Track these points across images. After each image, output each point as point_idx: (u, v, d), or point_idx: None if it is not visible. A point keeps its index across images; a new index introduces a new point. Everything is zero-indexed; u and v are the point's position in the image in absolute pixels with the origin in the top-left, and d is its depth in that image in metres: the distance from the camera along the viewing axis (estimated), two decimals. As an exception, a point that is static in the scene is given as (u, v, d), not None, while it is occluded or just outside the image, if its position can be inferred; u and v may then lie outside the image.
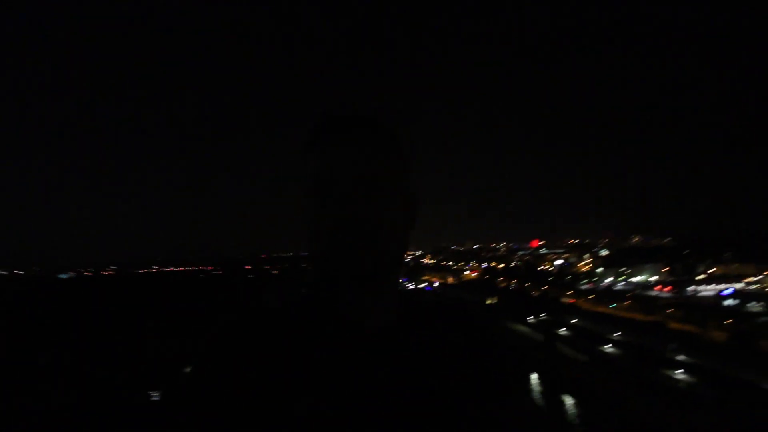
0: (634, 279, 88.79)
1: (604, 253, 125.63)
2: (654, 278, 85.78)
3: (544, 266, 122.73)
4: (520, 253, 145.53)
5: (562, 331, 55.48)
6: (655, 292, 75.41)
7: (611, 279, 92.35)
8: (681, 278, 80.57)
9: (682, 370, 35.20)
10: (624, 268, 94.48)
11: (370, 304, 0.71)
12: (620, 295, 75.26)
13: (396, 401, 0.64)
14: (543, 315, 63.64)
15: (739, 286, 73.23)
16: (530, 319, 63.47)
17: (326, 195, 0.66)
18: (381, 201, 0.67)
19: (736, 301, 60.99)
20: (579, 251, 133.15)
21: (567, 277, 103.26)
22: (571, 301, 77.71)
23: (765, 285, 78.19)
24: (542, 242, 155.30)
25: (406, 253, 0.75)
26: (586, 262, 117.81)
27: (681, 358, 39.63)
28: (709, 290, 71.90)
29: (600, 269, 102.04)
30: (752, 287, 74.32)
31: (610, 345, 45.88)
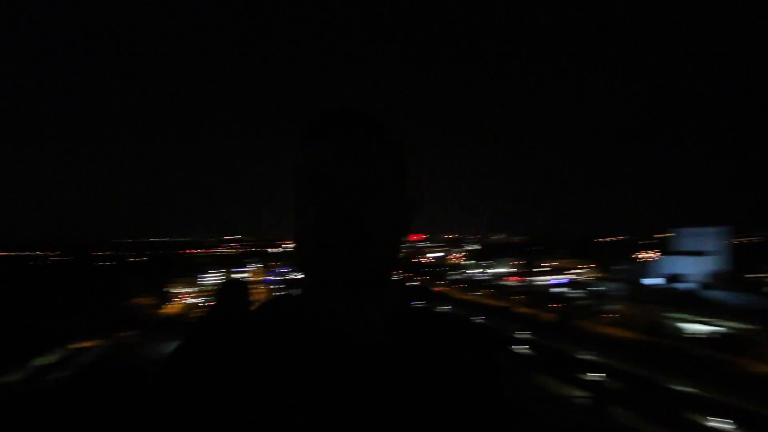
0: (494, 270, 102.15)
1: (474, 247, 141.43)
2: (508, 270, 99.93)
3: (422, 258, 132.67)
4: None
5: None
6: (508, 281, 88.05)
7: (477, 270, 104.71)
8: (527, 270, 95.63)
9: (527, 347, 42.13)
10: (487, 261, 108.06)
11: (360, 315, 0.65)
12: (482, 285, 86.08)
13: (384, 428, 0.59)
14: (419, 303, 69.06)
15: (571, 276, 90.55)
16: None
17: (315, 190, 0.62)
18: (373, 201, 0.62)
19: (563, 289, 74.74)
20: (453, 246, 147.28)
21: (441, 268, 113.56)
22: (441, 290, 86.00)
23: (587, 275, 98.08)
24: (425, 236, 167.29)
25: (397, 261, 0.70)
26: (458, 255, 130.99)
27: (523, 335, 47.36)
28: (546, 280, 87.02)
29: (468, 262, 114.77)
30: (579, 278, 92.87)
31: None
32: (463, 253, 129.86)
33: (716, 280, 65.23)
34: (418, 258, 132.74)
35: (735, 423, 23.39)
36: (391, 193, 0.65)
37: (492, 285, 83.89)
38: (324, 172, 0.61)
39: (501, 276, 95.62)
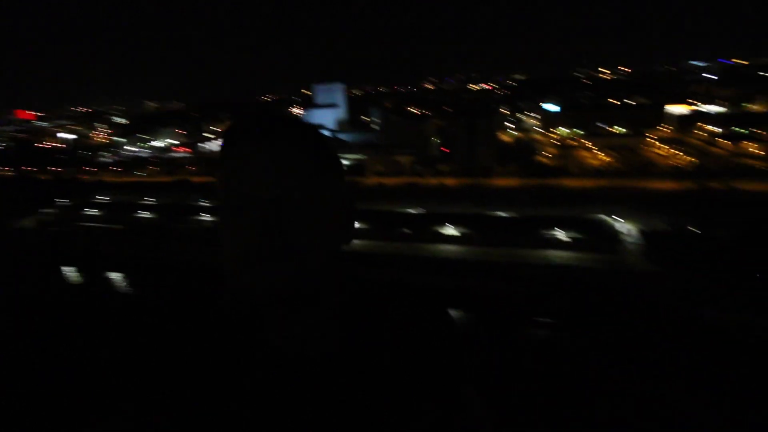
0: (156, 144, 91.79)
1: (120, 121, 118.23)
2: (173, 141, 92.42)
3: (46, 143, 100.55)
4: (6, 129, 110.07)
5: (93, 211, 51.23)
6: (176, 153, 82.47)
7: (134, 147, 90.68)
8: (193, 139, 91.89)
9: (205, 215, 43.84)
10: (145, 135, 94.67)
11: (300, 331, 0.62)
12: (144, 161, 76.66)
13: None
14: (64, 201, 54.96)
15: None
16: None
17: (237, 203, 0.58)
18: (298, 213, 0.58)
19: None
20: (90, 122, 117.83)
21: (82, 152, 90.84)
22: (88, 177, 70.78)
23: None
24: (40, 114, 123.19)
25: (336, 272, 0.66)
26: (103, 132, 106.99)
27: (203, 203, 48.58)
28: (215, 146, 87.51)
29: (120, 139, 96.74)
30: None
31: (143, 211, 47.99)
32: (108, 130, 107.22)
33: (342, 125, 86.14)
34: (42, 143, 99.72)
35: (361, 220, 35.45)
36: (320, 201, 0.61)
37: (159, 160, 76.31)
38: (245, 184, 0.58)
39: (167, 149, 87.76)
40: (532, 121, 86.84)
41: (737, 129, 61.46)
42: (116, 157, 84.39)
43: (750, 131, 60.18)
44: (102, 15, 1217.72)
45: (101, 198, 54.72)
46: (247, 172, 0.58)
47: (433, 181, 50.79)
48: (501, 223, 32.90)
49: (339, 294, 0.67)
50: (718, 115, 70.39)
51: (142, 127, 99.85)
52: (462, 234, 31.86)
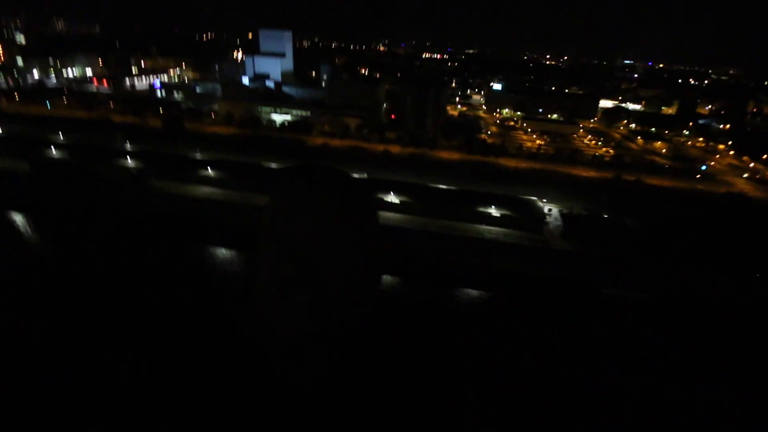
0: (69, 72, 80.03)
1: (20, 40, 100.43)
2: (90, 72, 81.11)
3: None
4: None
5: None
6: (94, 86, 72.65)
7: (39, 73, 78.26)
8: (116, 71, 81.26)
9: (130, 159, 39.73)
10: (51, 60, 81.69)
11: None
12: (55, 92, 66.66)
13: None
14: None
15: (164, 78, 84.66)
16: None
17: (276, 244, 0.63)
18: (332, 259, 0.63)
19: (163, 93, 70.68)
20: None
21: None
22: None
23: (183, 76, 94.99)
24: None
25: (362, 319, 0.68)
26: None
27: (128, 147, 43.95)
28: (143, 83, 78.22)
29: (20, 61, 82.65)
30: (174, 79, 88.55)
31: (56, 148, 42.35)
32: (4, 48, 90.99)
33: (287, 78, 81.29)
34: None
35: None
36: (352, 250, 0.64)
37: (71, 92, 66.69)
38: (286, 225, 0.63)
39: (81, 80, 76.99)
40: (477, 97, 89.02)
41: (650, 129, 68.52)
42: (17, 83, 72.29)
43: (660, 132, 67.46)
44: None
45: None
46: (289, 214, 0.63)
47: (380, 147, 50.66)
48: (441, 195, 34.12)
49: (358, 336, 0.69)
50: (637, 113, 77.69)
51: (49, 49, 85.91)
52: (402, 202, 32.60)
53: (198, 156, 41.98)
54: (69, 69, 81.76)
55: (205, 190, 35.19)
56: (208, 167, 37.34)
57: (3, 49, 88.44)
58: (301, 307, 0.61)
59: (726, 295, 24.22)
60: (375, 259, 0.66)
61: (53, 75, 79.04)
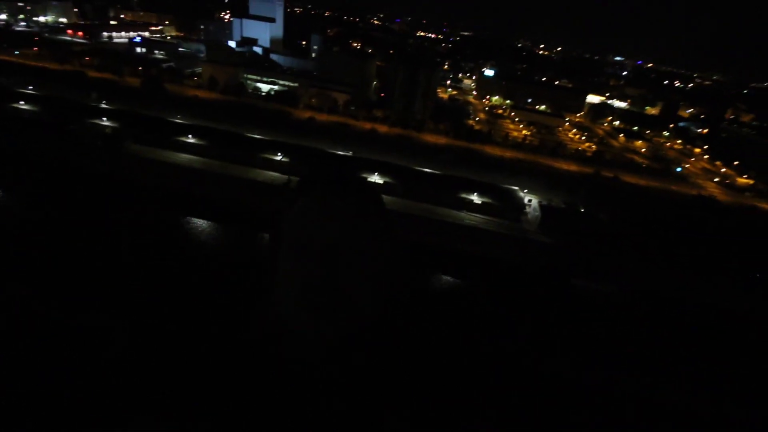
0: (40, 18, 74.95)
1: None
2: (64, 20, 76.16)
3: None
4: None
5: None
6: (68, 37, 68.40)
7: (8, 17, 72.99)
8: (93, 22, 76.60)
9: (105, 119, 37.89)
10: (22, 4, 76.16)
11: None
12: (25, 39, 62.43)
13: None
14: None
15: (145, 34, 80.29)
16: None
17: (298, 251, 0.65)
18: (354, 265, 0.64)
19: (144, 50, 67.25)
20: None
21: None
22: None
23: (165, 34, 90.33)
24: None
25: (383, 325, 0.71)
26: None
27: (104, 105, 41.93)
28: (122, 37, 74.09)
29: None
30: (156, 36, 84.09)
31: (23, 102, 40.04)
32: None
33: (276, 45, 78.47)
34: None
35: (286, 156, 34.09)
36: (374, 256, 0.66)
37: (42, 40, 62.56)
38: (308, 231, 0.65)
39: (54, 28, 72.29)
40: (468, 82, 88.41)
41: (633, 128, 69.95)
42: (-18, 24, 67.15)
43: (641, 131, 69.00)
44: None
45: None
46: (311, 220, 0.65)
47: (367, 125, 50.05)
48: (424, 179, 34.21)
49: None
50: (622, 111, 79.05)
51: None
52: (385, 182, 32.58)
53: (177, 120, 40.48)
54: (41, 16, 76.60)
55: (183, 157, 34.16)
56: (188, 133, 36.15)
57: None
58: (326, 309, 0.62)
59: (687, 290, 25.54)
60: (394, 262, 0.69)
61: (23, 20, 73.96)
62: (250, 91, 56.56)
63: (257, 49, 71.22)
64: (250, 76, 58.09)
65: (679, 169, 53.30)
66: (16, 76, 46.33)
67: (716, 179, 53.62)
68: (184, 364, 0.58)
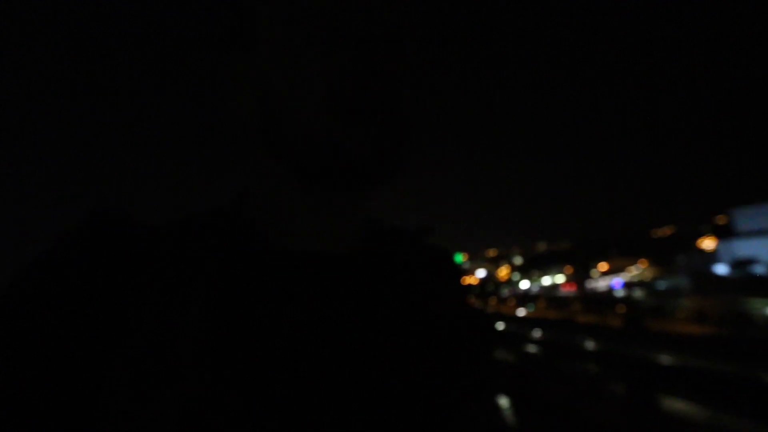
0: (545, 281, 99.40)
1: (517, 261, 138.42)
2: (560, 279, 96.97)
3: (470, 278, 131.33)
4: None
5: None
6: (563, 291, 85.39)
7: (526, 284, 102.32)
8: (580, 276, 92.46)
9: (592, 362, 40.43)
10: (535, 273, 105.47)
11: (334, 216, 0.45)
12: (535, 298, 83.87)
13: (352, 356, 0.40)
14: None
15: (624, 277, 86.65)
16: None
17: (328, 37, 0.38)
18: (404, 56, 0.42)
19: (623, 291, 71.64)
20: (496, 261, 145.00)
21: (490, 286, 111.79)
22: (495, 308, 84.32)
23: (641, 274, 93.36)
24: (468, 256, 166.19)
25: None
26: (504, 270, 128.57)
27: (589, 346, 45.74)
28: (603, 285, 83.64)
29: (516, 276, 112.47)
30: (633, 278, 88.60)
31: (532, 344, 50.85)
32: (509, 268, 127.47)
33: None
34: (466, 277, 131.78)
35: None
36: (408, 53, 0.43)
37: (546, 297, 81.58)
38: (352, 15, 0.38)
39: (553, 287, 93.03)
40: None
41: None
42: (511, 292, 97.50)
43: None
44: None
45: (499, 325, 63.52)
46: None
47: None
48: None
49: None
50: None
51: (534, 265, 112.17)
52: None
53: (661, 359, 37.07)
54: (546, 278, 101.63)
55: (670, 404, 29.44)
56: (674, 373, 31.83)
57: (507, 269, 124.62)
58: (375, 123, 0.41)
59: None
60: None
61: (535, 284, 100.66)
62: (757, 320, 44.71)
63: (760, 269, 58.32)
64: (754, 302, 46.82)
65: None
66: (527, 325, 61.17)
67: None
68: None
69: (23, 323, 0.33)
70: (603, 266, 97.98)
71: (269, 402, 0.35)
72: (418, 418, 0.41)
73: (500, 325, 63.07)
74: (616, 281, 79.86)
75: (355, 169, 0.39)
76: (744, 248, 66.86)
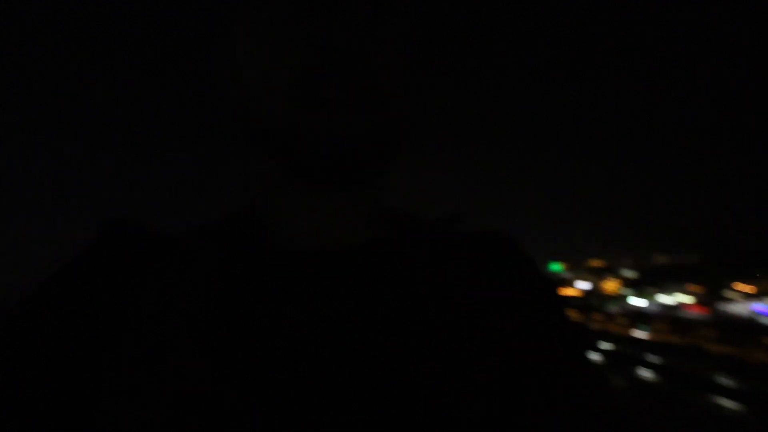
0: (664, 299, 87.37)
1: (628, 274, 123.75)
2: (684, 298, 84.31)
3: (568, 290, 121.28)
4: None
5: (595, 356, 54.93)
6: (687, 312, 74.15)
7: (640, 300, 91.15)
8: (712, 297, 79.13)
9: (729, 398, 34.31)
10: (652, 289, 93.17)
11: (335, 212, 0.43)
12: (651, 317, 74.21)
13: (353, 361, 0.38)
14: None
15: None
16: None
17: (297, 17, 0.36)
18: (384, 32, 0.37)
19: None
20: (602, 273, 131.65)
21: (594, 300, 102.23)
22: (600, 325, 76.73)
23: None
24: (567, 265, 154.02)
25: (411, 130, 0.44)
26: (611, 284, 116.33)
27: (724, 381, 38.83)
28: (742, 308, 70.52)
29: (626, 291, 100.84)
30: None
31: (646, 368, 45.13)
32: (618, 281, 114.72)
33: None
34: (566, 290, 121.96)
35: None
36: (406, 23, 0.40)
37: (665, 317, 71.58)
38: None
39: (675, 306, 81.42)
40: None
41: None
42: (621, 309, 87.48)
43: None
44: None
45: (603, 345, 57.69)
46: None
47: None
48: None
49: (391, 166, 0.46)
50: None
51: (650, 280, 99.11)
52: None
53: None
54: (665, 296, 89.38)
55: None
56: None
57: (616, 283, 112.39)
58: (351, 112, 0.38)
59: None
60: None
61: (652, 301, 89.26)
62: None
63: None
64: None
65: None
66: (639, 347, 54.33)
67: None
68: None
69: (23, 323, 0.35)
70: (743, 287, 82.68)
71: (269, 401, 0.35)
72: (418, 418, 0.38)
73: (604, 344, 57.45)
74: (763, 307, 66.85)
75: (324, 159, 0.36)
76: None
